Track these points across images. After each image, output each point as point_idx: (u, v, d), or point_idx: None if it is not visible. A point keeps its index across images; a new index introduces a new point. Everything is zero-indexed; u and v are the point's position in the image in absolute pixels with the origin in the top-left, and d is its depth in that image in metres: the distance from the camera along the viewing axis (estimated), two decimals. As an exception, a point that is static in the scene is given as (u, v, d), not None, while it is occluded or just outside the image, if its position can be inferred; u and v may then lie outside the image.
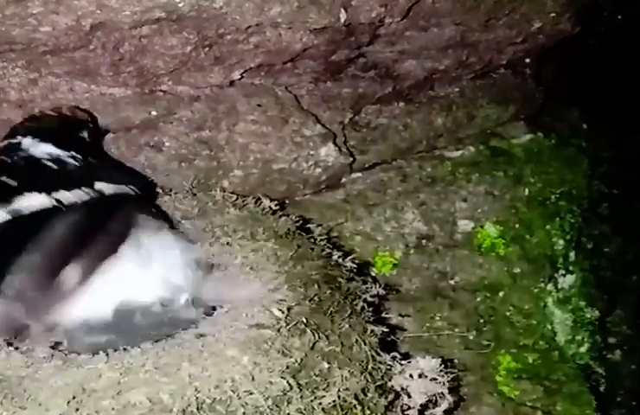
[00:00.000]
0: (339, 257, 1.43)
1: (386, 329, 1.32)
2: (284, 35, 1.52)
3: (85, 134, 1.45)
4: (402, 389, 1.22)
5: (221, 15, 1.39)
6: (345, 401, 1.09)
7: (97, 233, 1.16)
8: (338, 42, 1.63)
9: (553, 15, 1.90)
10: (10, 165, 1.26)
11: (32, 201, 1.14)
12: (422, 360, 1.22)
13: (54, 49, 1.39)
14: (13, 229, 1.11)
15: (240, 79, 1.64)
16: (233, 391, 0.99)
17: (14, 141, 1.34)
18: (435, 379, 1.21)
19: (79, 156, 1.32)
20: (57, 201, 1.15)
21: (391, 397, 1.23)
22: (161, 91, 1.60)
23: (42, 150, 1.31)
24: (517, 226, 1.95)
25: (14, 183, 1.18)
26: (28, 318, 1.07)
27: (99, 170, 1.30)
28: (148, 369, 1.01)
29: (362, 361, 1.18)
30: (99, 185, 1.22)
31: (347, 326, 1.21)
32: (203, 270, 1.27)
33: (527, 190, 2.01)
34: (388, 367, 1.22)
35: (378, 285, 1.40)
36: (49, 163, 1.27)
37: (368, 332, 1.26)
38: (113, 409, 0.94)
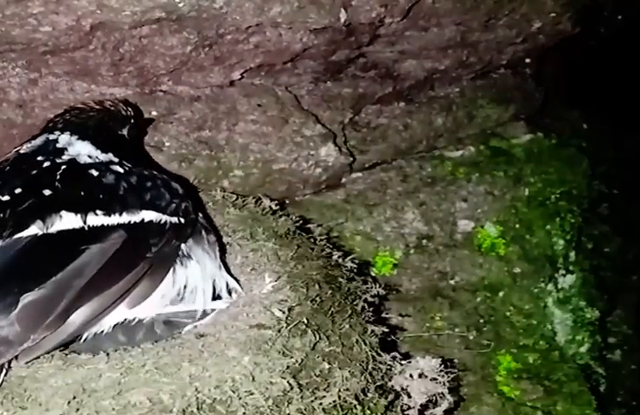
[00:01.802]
0: (339, 257, 1.43)
1: (386, 329, 1.32)
2: (284, 35, 1.52)
3: (124, 132, 1.39)
4: (402, 389, 1.22)
5: (221, 15, 1.39)
6: (345, 401, 1.09)
7: (121, 271, 1.08)
8: (338, 42, 1.63)
9: (553, 15, 1.90)
10: (47, 170, 1.18)
11: (64, 224, 1.08)
12: (422, 360, 1.22)
13: (54, 49, 1.39)
14: (38, 248, 1.05)
15: (240, 79, 1.64)
16: (233, 391, 0.99)
17: (51, 137, 1.27)
18: (435, 379, 1.21)
19: (117, 160, 1.24)
20: (90, 227, 1.08)
21: (391, 397, 1.23)
22: (161, 91, 1.60)
23: (80, 150, 1.25)
24: (517, 226, 1.95)
25: (50, 192, 1.12)
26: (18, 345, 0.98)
27: (141, 190, 1.18)
28: (148, 369, 1.01)
29: (363, 361, 1.18)
30: (140, 214, 1.13)
31: (347, 326, 1.21)
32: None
33: (527, 190, 2.01)
34: (388, 367, 1.22)
35: (378, 285, 1.40)
36: (91, 171, 1.18)
37: (369, 332, 1.26)
38: (113, 409, 0.94)
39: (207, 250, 1.22)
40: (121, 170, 1.21)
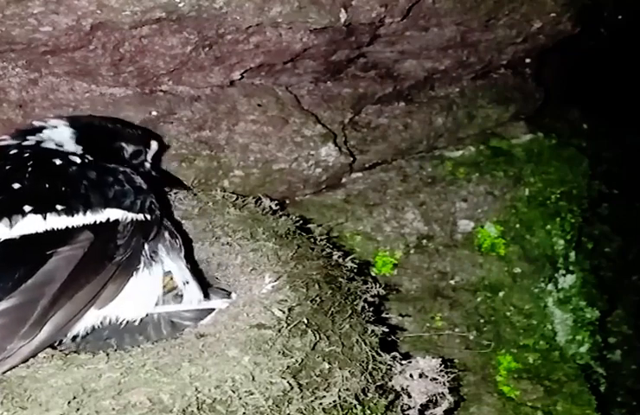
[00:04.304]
0: (339, 257, 1.42)
1: (386, 329, 1.31)
2: (284, 35, 1.52)
3: (126, 147, 1.34)
4: (402, 389, 1.22)
5: (221, 15, 1.39)
6: (345, 401, 1.09)
7: (91, 274, 1.06)
8: (338, 42, 1.63)
9: (553, 15, 1.90)
10: (18, 160, 1.16)
11: (29, 225, 1.05)
12: (422, 360, 1.22)
13: (55, 49, 1.38)
14: (3, 254, 1.02)
15: (240, 79, 1.64)
16: (233, 391, 0.99)
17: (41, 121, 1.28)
18: (435, 379, 1.21)
19: (81, 152, 1.22)
20: (56, 230, 1.05)
21: (391, 397, 1.23)
22: (161, 91, 1.60)
23: (54, 134, 1.24)
24: (517, 226, 1.96)
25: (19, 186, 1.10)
26: None
27: (104, 186, 1.14)
28: (148, 369, 1.01)
29: (363, 361, 1.18)
30: (104, 213, 1.11)
31: (347, 326, 1.21)
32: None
33: (527, 190, 2.01)
34: (389, 367, 1.22)
35: (378, 285, 1.40)
36: (55, 160, 1.16)
37: (369, 332, 1.26)
38: (113, 409, 0.94)
39: (170, 250, 1.21)
40: (82, 162, 1.18)
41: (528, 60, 2.20)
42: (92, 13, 1.29)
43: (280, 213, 1.51)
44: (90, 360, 1.04)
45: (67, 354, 1.07)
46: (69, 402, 0.94)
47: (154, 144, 1.40)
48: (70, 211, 1.08)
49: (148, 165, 1.39)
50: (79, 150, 1.23)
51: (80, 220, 1.08)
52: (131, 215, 1.14)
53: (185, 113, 1.62)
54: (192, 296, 1.21)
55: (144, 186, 1.20)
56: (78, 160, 1.18)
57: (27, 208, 1.06)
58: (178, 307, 1.21)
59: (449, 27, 1.76)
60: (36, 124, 1.29)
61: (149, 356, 1.04)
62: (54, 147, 1.22)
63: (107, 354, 1.05)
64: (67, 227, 1.07)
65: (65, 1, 1.27)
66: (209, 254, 1.39)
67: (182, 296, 1.23)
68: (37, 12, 1.27)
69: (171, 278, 1.23)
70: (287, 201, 1.81)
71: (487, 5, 1.74)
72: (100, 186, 1.14)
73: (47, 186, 1.11)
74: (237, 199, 1.53)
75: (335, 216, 1.85)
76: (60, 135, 1.25)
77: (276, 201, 1.53)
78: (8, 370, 1.00)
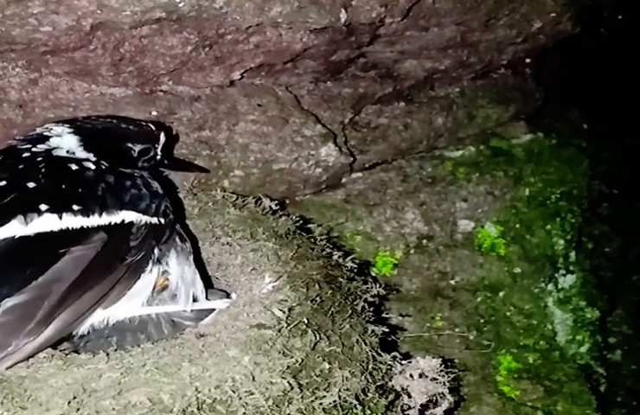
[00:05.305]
0: (339, 257, 1.42)
1: (386, 329, 1.32)
2: (284, 35, 1.52)
3: (134, 147, 1.33)
4: (403, 389, 1.22)
5: (221, 15, 1.39)
6: (346, 401, 1.09)
7: (102, 275, 1.06)
8: (338, 42, 1.63)
9: (553, 15, 1.90)
10: (30, 161, 1.17)
11: (44, 223, 1.05)
12: (422, 360, 1.22)
13: (55, 49, 1.38)
14: (16, 251, 1.03)
15: (240, 79, 1.64)
16: (233, 391, 0.99)
17: (48, 125, 1.28)
18: (435, 379, 1.21)
19: (95, 159, 1.21)
20: (70, 229, 1.06)
21: (391, 397, 1.23)
22: (161, 91, 1.60)
23: (61, 142, 1.24)
24: (517, 226, 1.96)
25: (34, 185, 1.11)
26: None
27: (121, 190, 1.15)
28: (148, 369, 1.01)
29: (363, 361, 1.18)
30: (119, 215, 1.12)
31: (347, 326, 1.21)
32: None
33: (527, 190, 2.01)
34: (389, 367, 1.22)
35: (378, 285, 1.40)
36: (70, 165, 1.16)
37: (369, 332, 1.26)
38: (114, 409, 0.94)
39: (181, 254, 1.22)
40: (98, 167, 1.19)
41: (528, 60, 2.21)
42: (92, 13, 1.29)
43: (280, 213, 1.51)
44: (90, 360, 1.04)
45: (67, 354, 1.07)
46: (69, 402, 0.94)
47: (162, 136, 1.40)
48: (86, 211, 1.09)
49: (159, 158, 1.40)
50: (91, 156, 1.24)
51: (95, 220, 1.09)
52: (145, 218, 1.15)
53: (185, 113, 1.62)
54: (196, 296, 1.22)
55: (160, 190, 1.21)
56: (93, 166, 1.19)
57: (43, 207, 1.07)
58: (179, 307, 1.21)
59: (449, 27, 1.76)
60: (39, 131, 1.28)
61: (149, 356, 1.04)
62: (66, 155, 1.22)
63: (107, 354, 1.05)
64: (81, 227, 1.07)
65: (65, 1, 1.27)
66: (209, 254, 1.40)
67: (176, 295, 1.23)
68: (37, 12, 1.27)
69: (166, 278, 1.23)
70: (287, 201, 1.81)
71: (487, 5, 1.74)
72: (117, 189, 1.15)
73: (63, 187, 1.12)
74: (237, 199, 1.54)
75: (335, 216, 1.85)
76: (68, 143, 1.25)
77: (276, 201, 1.53)
78: (11, 366, 1.00)
